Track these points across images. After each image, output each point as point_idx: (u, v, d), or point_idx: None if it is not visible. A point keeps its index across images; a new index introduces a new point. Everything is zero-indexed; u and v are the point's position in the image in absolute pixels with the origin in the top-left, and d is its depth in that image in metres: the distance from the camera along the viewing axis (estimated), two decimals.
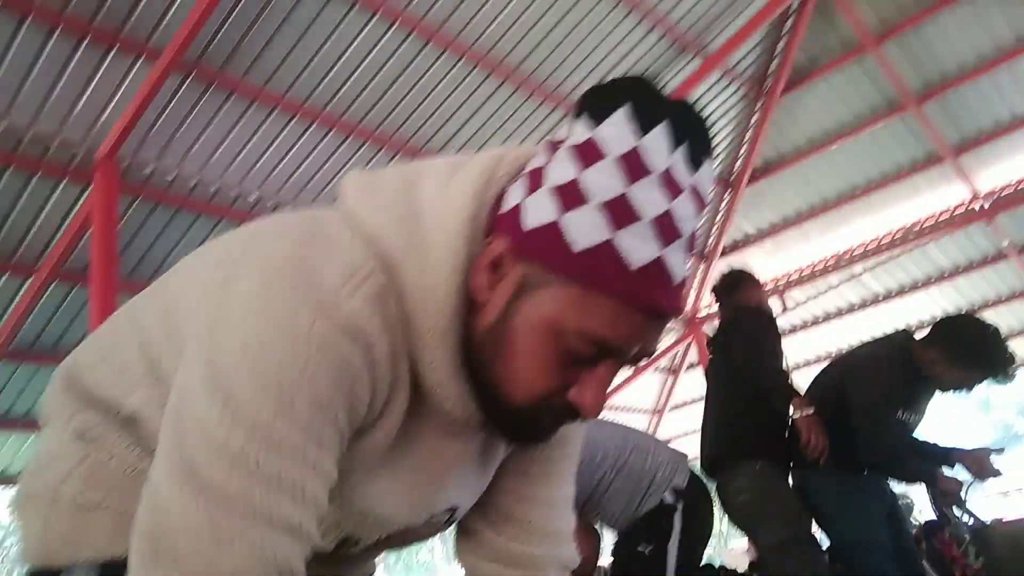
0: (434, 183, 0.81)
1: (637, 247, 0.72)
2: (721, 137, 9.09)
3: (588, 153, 0.74)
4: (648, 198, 0.72)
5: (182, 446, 0.68)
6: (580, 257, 0.72)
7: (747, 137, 9.29)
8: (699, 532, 2.75)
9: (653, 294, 0.73)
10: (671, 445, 2.93)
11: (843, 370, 3.16)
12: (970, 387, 3.01)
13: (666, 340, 11.50)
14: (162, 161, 5.59)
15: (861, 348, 3.34)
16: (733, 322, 3.53)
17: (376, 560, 1.10)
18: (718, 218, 10.11)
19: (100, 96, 5.04)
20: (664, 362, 11.93)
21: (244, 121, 5.68)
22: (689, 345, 11.62)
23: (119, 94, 5.06)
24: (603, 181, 0.72)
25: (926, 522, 6.97)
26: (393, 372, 0.77)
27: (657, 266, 0.73)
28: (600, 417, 0.94)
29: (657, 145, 0.73)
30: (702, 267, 10.58)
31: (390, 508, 0.86)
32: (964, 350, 2.93)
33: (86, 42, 4.75)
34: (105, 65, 4.91)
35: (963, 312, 3.28)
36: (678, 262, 0.75)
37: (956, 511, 3.11)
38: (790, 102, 8.91)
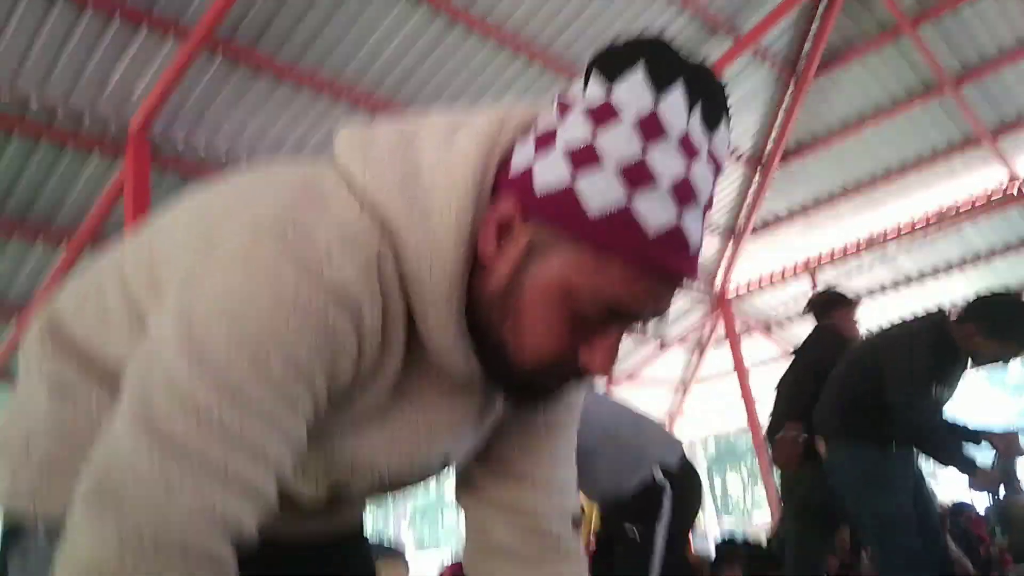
0: (434, 141, 0.78)
1: (655, 212, 0.70)
2: (753, 117, 8.98)
3: (603, 114, 0.71)
4: (666, 162, 0.70)
5: (144, 394, 0.66)
6: (596, 222, 0.70)
7: (779, 117, 9.15)
8: (687, 515, 2.74)
9: (669, 260, 0.72)
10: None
11: (879, 347, 3.17)
12: (1006, 360, 3.04)
13: (694, 316, 11.48)
14: (193, 136, 5.66)
15: (897, 327, 3.35)
16: (811, 339, 3.99)
17: (366, 506, 1.11)
18: (749, 197, 10.02)
19: (132, 72, 5.11)
20: (691, 338, 11.91)
21: (274, 98, 5.73)
22: (717, 322, 11.58)
23: (150, 70, 5.13)
24: (620, 143, 0.70)
25: (954, 503, 6.96)
26: (386, 337, 0.76)
27: (675, 232, 0.71)
28: (603, 391, 0.95)
29: (675, 107, 0.71)
30: (731, 245, 10.50)
31: (382, 462, 0.85)
32: (1000, 323, 2.95)
33: (116, 19, 4.80)
34: (136, 42, 4.97)
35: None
36: (695, 228, 0.73)
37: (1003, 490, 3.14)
38: (824, 83, 8.74)
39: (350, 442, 0.81)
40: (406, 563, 6.04)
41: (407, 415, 0.84)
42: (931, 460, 3.16)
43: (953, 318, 3.07)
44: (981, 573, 5.67)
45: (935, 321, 3.09)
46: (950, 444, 2.99)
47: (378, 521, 23.87)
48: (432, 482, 0.99)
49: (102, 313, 0.85)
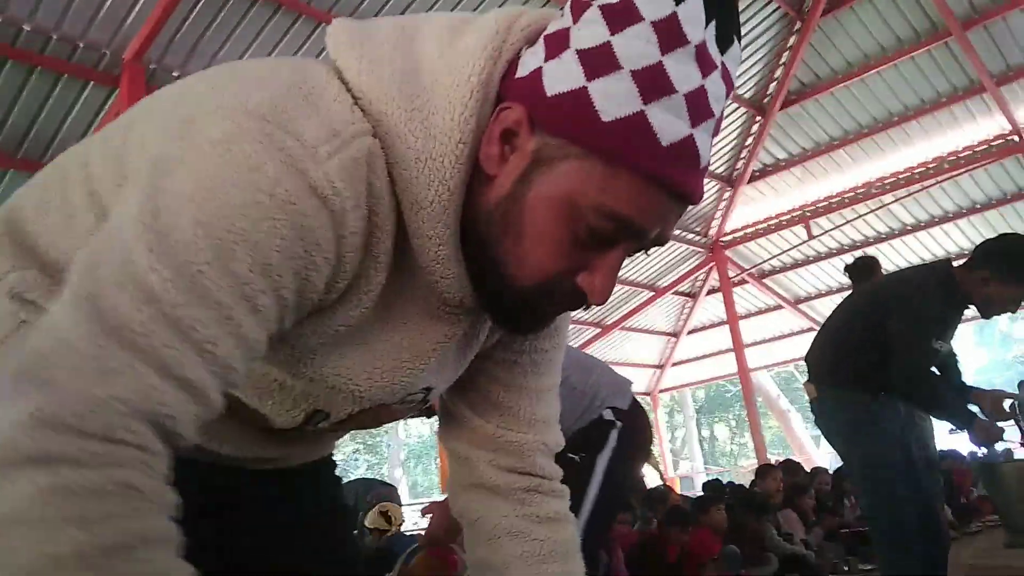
0: (437, 40, 0.73)
1: (669, 122, 0.67)
2: (757, 59, 8.88)
3: (622, 14, 0.67)
4: (683, 71, 0.67)
5: (93, 272, 0.60)
6: (608, 129, 0.66)
7: (783, 59, 9.05)
8: (634, 455, 2.71)
9: (681, 174, 0.69)
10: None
11: (885, 293, 3.10)
12: (1017, 306, 3.00)
13: (688, 263, 11.52)
14: (189, 65, 5.57)
15: (904, 274, 3.29)
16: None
17: (339, 439, 1.07)
18: (748, 142, 9.96)
19: None
20: (684, 286, 11.96)
21: (270, 27, 5.62)
22: (711, 270, 11.62)
23: None
24: (638, 47, 0.66)
25: (940, 451, 7.03)
26: (370, 247, 0.71)
27: (687, 145, 0.68)
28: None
29: (694, 14, 0.67)
30: (729, 192, 10.48)
31: (364, 384, 0.81)
32: (1016, 264, 2.90)
33: None
34: None
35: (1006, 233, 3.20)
36: (705, 144, 0.70)
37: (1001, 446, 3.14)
38: (830, 24, 8.64)
39: (330, 361, 0.78)
40: (399, 497, 6.15)
41: (390, 336, 0.80)
42: (925, 413, 3.16)
43: (962, 266, 3.04)
44: (959, 522, 5.80)
45: (942, 270, 3.05)
46: (944, 397, 2.99)
47: (372, 467, 24.17)
48: (414, 420, 0.97)
49: (66, 215, 0.79)
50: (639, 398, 2.78)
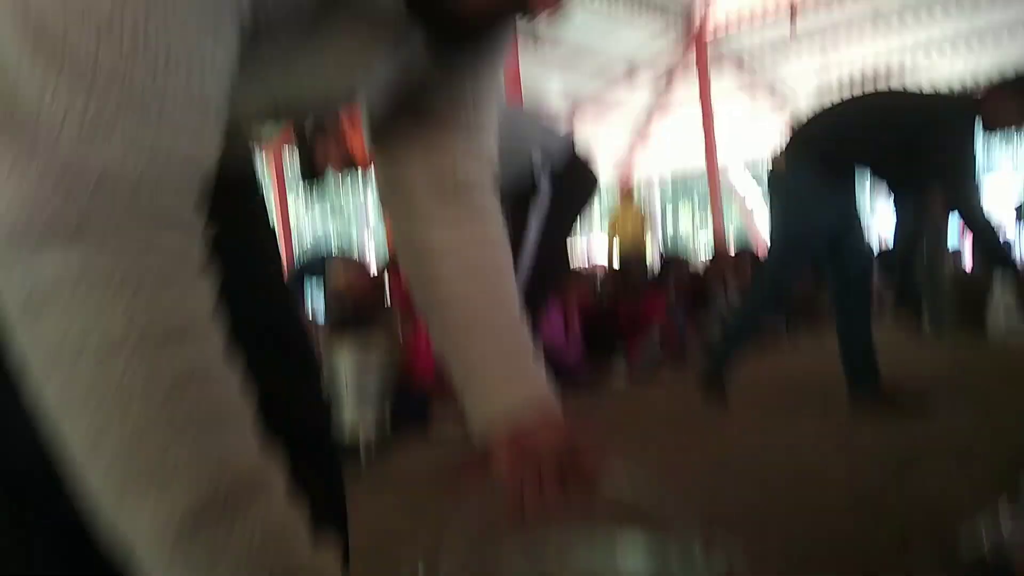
0: None
1: None
2: None
3: None
4: None
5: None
6: None
7: None
8: (570, 207, 2.61)
9: None
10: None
11: (925, 111, 3.05)
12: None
13: (665, 40, 11.18)
14: None
15: (926, 100, 3.15)
16: None
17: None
18: None
19: None
20: (660, 67, 11.66)
21: None
22: (688, 52, 11.29)
23: None
24: None
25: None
26: None
27: None
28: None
29: None
30: None
31: (279, 100, 0.78)
32: None
33: None
34: None
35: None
36: None
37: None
38: None
39: (248, 89, 0.70)
40: (362, 264, 6.21)
41: (317, 55, 0.73)
42: (991, 257, 3.35)
43: (978, 96, 3.03)
44: None
45: (971, 105, 3.02)
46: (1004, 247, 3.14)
47: (340, 235, 24.37)
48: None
49: None
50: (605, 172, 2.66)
